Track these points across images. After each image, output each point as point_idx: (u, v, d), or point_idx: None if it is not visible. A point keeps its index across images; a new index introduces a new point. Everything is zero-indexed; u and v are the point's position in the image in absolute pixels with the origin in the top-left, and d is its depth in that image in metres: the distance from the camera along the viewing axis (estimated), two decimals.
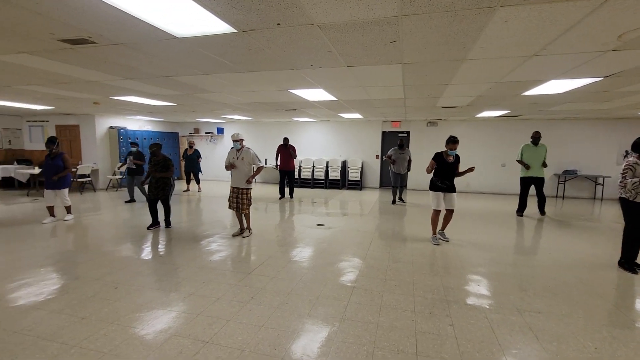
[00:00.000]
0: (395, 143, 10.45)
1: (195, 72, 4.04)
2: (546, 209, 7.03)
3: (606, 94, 5.08)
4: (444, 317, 2.79)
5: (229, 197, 5.11)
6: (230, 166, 4.97)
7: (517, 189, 9.96)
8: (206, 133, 12.92)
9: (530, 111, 7.68)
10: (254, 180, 5.11)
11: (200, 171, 10.12)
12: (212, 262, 4.04)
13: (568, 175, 9.36)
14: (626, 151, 9.13)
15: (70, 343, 2.38)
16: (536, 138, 6.69)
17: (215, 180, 12.75)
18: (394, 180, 8.21)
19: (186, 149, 9.90)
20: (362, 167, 11.05)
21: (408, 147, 9.37)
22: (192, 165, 9.83)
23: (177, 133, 13.10)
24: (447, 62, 3.42)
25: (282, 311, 2.86)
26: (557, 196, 9.73)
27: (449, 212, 4.89)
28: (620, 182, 3.85)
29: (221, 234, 5.28)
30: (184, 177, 10.34)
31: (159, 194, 5.49)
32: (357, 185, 10.93)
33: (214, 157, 12.83)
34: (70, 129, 10.30)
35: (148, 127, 12.01)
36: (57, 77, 4.34)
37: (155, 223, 5.58)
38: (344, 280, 3.53)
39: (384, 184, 11.36)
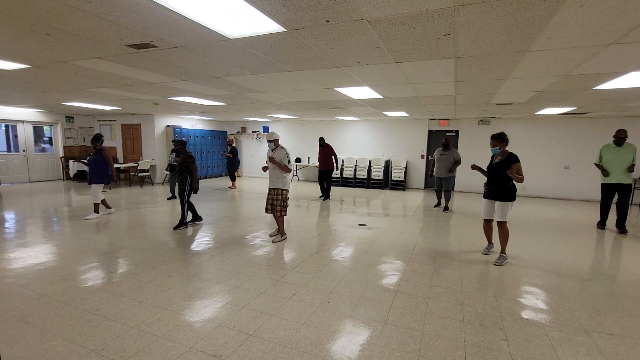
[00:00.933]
0: (442, 142, 10.00)
1: (244, 72, 4.18)
2: (627, 219, 5.91)
3: None
4: (497, 330, 2.58)
5: (267, 199, 4.83)
6: (271, 160, 4.71)
7: (582, 194, 9.13)
8: (252, 132, 13.39)
9: (602, 107, 6.87)
10: (293, 178, 4.91)
11: (236, 169, 10.34)
12: (255, 257, 4.15)
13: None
14: None
15: (130, 324, 2.58)
16: (620, 138, 5.59)
17: (260, 177, 13.16)
18: (436, 184, 7.56)
19: (227, 147, 10.32)
20: (406, 167, 10.71)
21: (455, 147, 8.82)
22: (229, 163, 10.19)
23: (226, 131, 13.73)
24: (507, 55, 3.16)
25: (324, 310, 2.85)
26: (631, 203, 8.62)
27: (498, 225, 4.10)
28: None
29: (264, 230, 5.42)
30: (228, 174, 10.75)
31: (178, 190, 5.45)
32: (401, 185, 10.62)
33: (259, 155, 13.25)
34: (134, 127, 11.26)
35: (200, 126, 12.74)
36: (124, 80, 4.75)
37: (196, 217, 5.68)
38: (386, 283, 3.43)
39: (429, 185, 10.91)
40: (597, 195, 8.81)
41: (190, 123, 12.37)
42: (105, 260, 3.95)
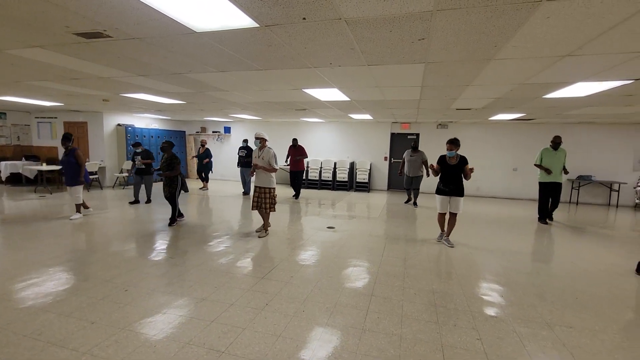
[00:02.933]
0: (403, 145, 10.35)
1: (208, 69, 3.93)
2: (561, 214, 6.91)
3: (631, 97, 4.91)
4: (470, 329, 2.65)
5: (253, 197, 5.12)
6: (255, 167, 5.01)
7: (529, 194, 9.90)
8: (213, 132, 12.84)
9: (547, 114, 7.50)
10: (274, 179, 5.12)
11: (211, 170, 10.13)
12: (223, 264, 3.92)
13: (582, 180, 9.15)
14: None
15: (80, 350, 2.27)
16: (557, 143, 6.47)
17: (222, 179, 12.66)
18: (405, 182, 8.23)
19: (199, 149, 10.05)
20: (370, 169, 10.90)
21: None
22: (202, 165, 9.84)
23: (184, 132, 13.03)
24: (474, 62, 3.28)
25: (299, 320, 2.73)
26: (570, 202, 9.52)
27: (452, 216, 4.83)
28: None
29: (230, 235, 5.17)
30: (193, 175, 10.40)
31: (166, 191, 5.59)
32: (365, 187, 10.78)
33: (221, 156, 12.73)
34: (78, 125, 10.26)
35: (155, 125, 11.95)
36: (69, 72, 4.25)
37: (174, 220, 5.71)
38: (360, 287, 3.39)
39: (392, 186, 11.21)
40: None
41: (144, 122, 11.55)
42: (49, 275, 3.49)
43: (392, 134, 11.05)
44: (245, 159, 8.92)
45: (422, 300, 3.13)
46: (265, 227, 5.20)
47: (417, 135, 10.80)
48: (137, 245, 4.60)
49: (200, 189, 10.03)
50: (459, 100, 5.74)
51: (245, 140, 9.41)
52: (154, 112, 9.58)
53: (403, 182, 8.38)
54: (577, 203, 9.43)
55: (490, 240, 5.28)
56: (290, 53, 3.13)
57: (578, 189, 9.37)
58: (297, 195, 8.82)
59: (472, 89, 4.64)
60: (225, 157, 12.65)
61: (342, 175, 10.86)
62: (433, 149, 10.34)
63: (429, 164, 4.89)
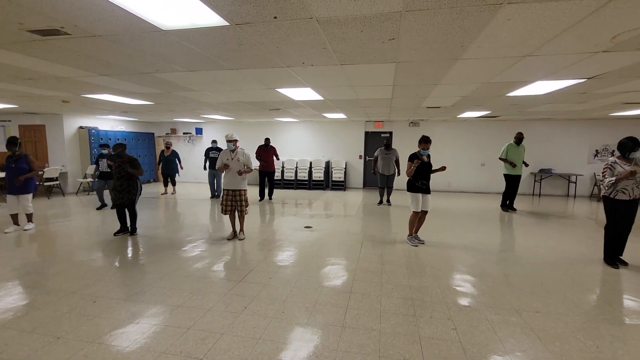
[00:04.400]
0: (377, 143, 10.52)
1: (177, 69, 3.80)
2: (525, 205, 7.47)
3: (584, 95, 5.27)
4: (446, 320, 2.74)
5: (222, 201, 4.93)
6: (223, 167, 4.86)
7: (496, 187, 10.38)
8: (184, 133, 12.45)
9: (510, 112, 7.89)
10: (246, 180, 5.03)
11: (178, 173, 9.75)
12: (198, 269, 3.81)
13: (544, 173, 9.72)
14: (613, 151, 9.62)
15: None
16: (520, 139, 7.11)
17: (194, 182, 12.32)
18: (380, 181, 8.11)
19: (162, 151, 9.56)
20: (345, 168, 11.00)
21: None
22: (170, 167, 9.45)
23: (153, 133, 12.55)
24: (442, 62, 3.39)
25: (279, 321, 2.71)
26: (533, 194, 10.09)
27: (424, 214, 4.82)
28: (600, 180, 3.96)
29: (204, 239, 5.04)
30: (161, 179, 9.93)
31: (125, 197, 5.13)
32: (341, 186, 10.87)
33: (192, 158, 12.37)
34: (35, 129, 9.59)
35: (121, 127, 11.42)
36: (22, 72, 3.97)
37: (123, 229, 5.29)
38: (339, 285, 3.42)
39: (367, 184, 11.37)
40: None
41: (109, 124, 11.00)
42: (7, 290, 3.24)
43: (366, 133, 11.21)
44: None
45: (400, 295, 3.20)
46: (241, 229, 5.13)
47: (390, 133, 11.02)
48: (104, 254, 4.38)
49: (162, 194, 9.51)
50: (429, 99, 5.92)
51: (215, 141, 9.01)
52: (120, 113, 9.15)
53: (377, 181, 8.27)
54: (539, 195, 10.00)
55: (461, 234, 5.49)
56: (262, 52, 3.09)
57: (540, 182, 9.94)
58: (270, 196, 8.69)
59: (441, 87, 4.79)
60: (197, 158, 12.28)
61: (318, 175, 10.89)
62: (406, 147, 10.61)
63: (408, 165, 4.66)
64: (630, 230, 3.94)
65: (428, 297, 3.15)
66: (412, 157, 4.73)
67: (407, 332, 2.55)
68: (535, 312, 2.88)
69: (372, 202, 8.57)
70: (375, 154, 8.04)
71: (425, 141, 4.69)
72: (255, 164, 8.74)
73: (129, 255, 4.35)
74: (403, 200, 8.80)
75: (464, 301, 3.08)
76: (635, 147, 3.70)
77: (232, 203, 4.92)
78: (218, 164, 4.97)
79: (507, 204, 7.41)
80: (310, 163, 11.13)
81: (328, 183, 11.11)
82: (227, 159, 4.92)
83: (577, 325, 2.68)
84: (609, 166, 3.85)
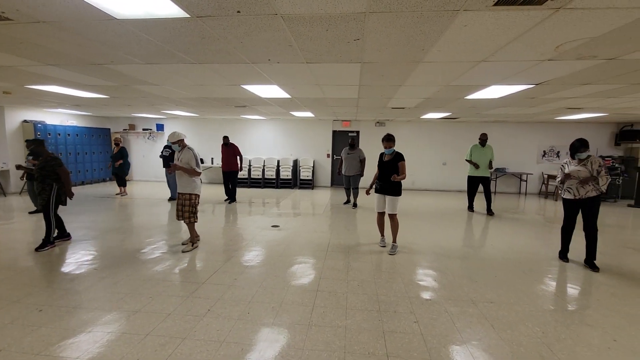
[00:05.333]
0: (345, 142, 10.64)
1: (134, 61, 3.60)
2: (482, 203, 7.52)
3: (534, 100, 5.68)
4: (408, 314, 2.83)
5: (177, 204, 4.43)
6: (174, 167, 4.31)
7: (456, 185, 10.93)
8: (144, 130, 11.82)
9: (469, 114, 8.33)
10: (199, 184, 4.44)
11: (125, 172, 9.05)
12: (157, 273, 3.64)
13: (499, 172, 10.37)
14: (558, 152, 10.41)
15: None
16: (483, 140, 7.10)
17: (156, 181, 11.75)
18: (345, 182, 7.90)
19: (113, 148, 8.91)
20: (313, 166, 11.03)
21: (359, 147, 9.45)
22: (118, 166, 8.78)
23: (109, 129, 11.78)
24: (405, 64, 3.49)
25: (244, 322, 2.66)
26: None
27: (390, 218, 4.49)
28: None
29: (165, 241, 4.82)
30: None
31: (39, 201, 4.42)
32: (309, 184, 10.89)
33: (152, 156, 11.79)
34: None
35: (72, 122, 10.60)
36: None
37: (63, 235, 4.68)
38: (306, 284, 3.42)
39: (335, 182, 11.49)
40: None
41: (59, 118, 10.18)
42: None
43: (334, 132, 11.31)
44: (171, 160, 7.95)
45: (365, 291, 3.26)
46: (192, 239, 4.49)
47: (357, 132, 11.20)
48: (51, 259, 4.05)
49: (117, 194, 8.91)
50: (393, 100, 6.08)
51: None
52: (71, 107, 8.49)
53: (343, 182, 8.07)
54: (495, 192, 10.65)
55: (424, 231, 5.71)
56: (225, 47, 3.00)
57: (495, 180, 10.60)
58: (231, 199, 8.17)
59: (405, 89, 4.94)
60: (157, 156, 11.73)
61: (286, 173, 10.82)
62: (372, 146, 10.85)
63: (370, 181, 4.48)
64: (595, 231, 3.93)
65: (392, 293, 3.24)
66: (379, 158, 4.60)
67: (371, 328, 2.61)
68: (489, 302, 3.07)
69: (340, 200, 8.66)
70: (341, 154, 7.84)
71: (386, 139, 4.44)
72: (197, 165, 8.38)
73: (80, 260, 4.06)
74: (370, 202, 8.98)
75: (425, 295, 3.20)
76: (582, 147, 3.92)
77: (181, 208, 4.35)
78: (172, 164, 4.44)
79: (472, 204, 7.42)
80: (278, 161, 11.03)
81: (296, 181, 11.07)
82: (176, 159, 4.42)
83: (526, 313, 2.88)
84: (561, 166, 4.15)
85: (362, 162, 7.62)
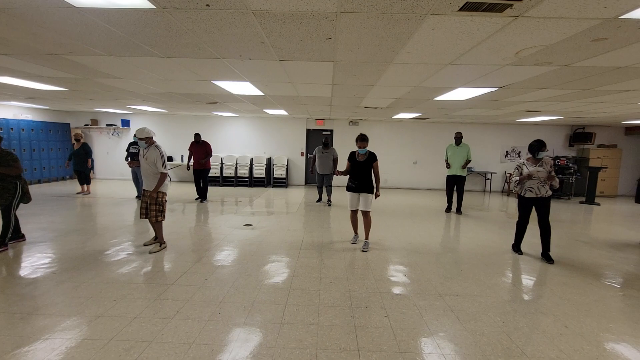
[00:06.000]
0: (319, 140, 10.68)
1: (96, 52, 3.41)
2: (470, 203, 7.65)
3: (497, 102, 5.98)
4: (379, 309, 2.90)
5: (141, 202, 4.28)
6: (135, 163, 4.24)
7: (427, 184, 11.31)
8: (107, 125, 11.23)
9: (438, 115, 8.63)
10: (166, 183, 4.28)
11: (91, 169, 8.62)
12: (122, 275, 3.48)
13: (467, 171, 10.81)
14: (519, 152, 10.99)
15: None
16: (458, 138, 7.12)
17: (121, 179, 11.21)
18: (317, 180, 8.01)
19: (73, 144, 8.37)
20: (287, 165, 10.98)
21: (333, 146, 9.53)
22: (79, 163, 8.29)
23: (69, 124, 11.09)
24: (376, 64, 3.56)
25: (215, 323, 2.61)
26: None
27: (364, 215, 4.61)
28: (510, 179, 4.53)
29: (130, 242, 4.62)
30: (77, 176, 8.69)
31: (2, 201, 4.16)
32: (283, 182, 10.83)
33: (117, 153, 11.24)
34: None
35: (28, 116, 9.87)
36: None
37: (17, 236, 4.43)
38: (279, 282, 3.41)
39: (309, 181, 11.50)
40: (438, 184, 11.09)
41: (11, 111, 9.43)
42: None
43: (308, 130, 11.31)
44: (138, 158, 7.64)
45: (338, 288, 3.30)
46: (159, 239, 4.33)
47: (331, 131, 11.28)
48: (4, 263, 3.76)
49: (78, 193, 8.43)
50: (366, 99, 6.18)
51: None
52: (26, 100, 7.89)
53: (316, 180, 8.15)
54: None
55: (396, 227, 5.86)
56: (195, 41, 2.92)
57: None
58: (202, 198, 7.97)
59: (377, 89, 5.04)
60: (123, 153, 11.21)
61: (260, 172, 10.69)
62: (346, 145, 10.97)
63: (338, 169, 4.60)
64: (549, 227, 4.23)
65: (364, 289, 3.30)
66: (350, 156, 4.70)
67: (343, 324, 2.65)
68: (455, 295, 3.21)
69: (314, 198, 8.68)
70: (314, 152, 7.89)
71: (361, 139, 4.53)
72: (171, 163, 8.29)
73: (36, 263, 3.80)
74: (343, 199, 9.09)
75: (396, 290, 3.29)
76: (541, 147, 4.20)
77: (146, 206, 4.21)
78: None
79: (450, 205, 7.42)
80: (251, 159, 10.88)
81: (270, 180, 10.98)
82: (140, 156, 4.26)
83: (488, 304, 3.04)
84: (518, 166, 4.39)
85: (335, 161, 7.74)
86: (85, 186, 8.48)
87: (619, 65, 3.31)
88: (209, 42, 2.95)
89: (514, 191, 4.45)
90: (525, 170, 4.27)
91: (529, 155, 4.40)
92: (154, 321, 2.61)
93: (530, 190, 4.29)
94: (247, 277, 3.53)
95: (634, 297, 3.32)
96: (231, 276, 3.53)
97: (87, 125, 11.18)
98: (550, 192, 4.23)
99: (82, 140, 8.37)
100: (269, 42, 2.91)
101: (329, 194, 7.97)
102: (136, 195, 8.09)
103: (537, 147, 4.23)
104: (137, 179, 7.79)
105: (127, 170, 11.15)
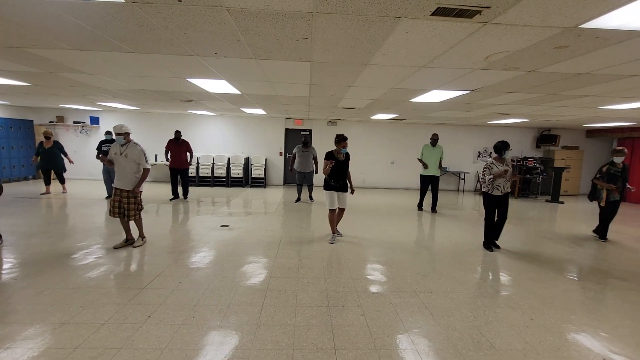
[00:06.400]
0: (297, 140, 10.66)
1: (60, 46, 3.23)
2: (426, 201, 7.86)
3: (469, 105, 6.19)
4: (356, 307, 2.93)
5: (111, 201, 4.27)
6: (109, 162, 4.24)
7: (404, 183, 11.54)
8: (75, 123, 10.69)
9: (414, 116, 8.82)
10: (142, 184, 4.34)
11: (64, 169, 8.30)
12: (91, 280, 3.33)
13: (440, 171, 11.10)
14: (490, 153, 11.41)
15: None
16: (434, 140, 7.35)
17: (90, 179, 10.71)
18: (298, 179, 8.11)
19: (41, 142, 7.95)
20: (265, 164, 10.88)
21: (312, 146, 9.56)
22: (52, 162, 7.96)
23: (32, 121, 10.46)
24: (353, 65, 3.59)
25: (189, 327, 2.55)
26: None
27: (341, 211, 4.96)
28: (481, 178, 4.72)
29: (100, 245, 4.42)
30: (42, 176, 8.28)
31: None
32: (261, 182, 10.72)
33: (86, 151, 10.73)
34: None
35: None
36: None
37: None
38: (256, 284, 3.37)
39: (288, 181, 11.45)
40: (415, 184, 11.32)
41: None
42: None
43: (287, 129, 11.25)
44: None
45: (315, 288, 3.31)
46: (140, 234, 4.50)
47: (310, 131, 11.27)
48: None
49: (42, 194, 8.02)
50: (344, 100, 6.22)
51: (109, 133, 7.52)
52: None
53: (296, 179, 8.24)
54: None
55: (373, 226, 5.94)
56: (167, 37, 2.83)
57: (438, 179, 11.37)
58: (178, 195, 7.94)
59: (355, 89, 5.08)
60: (93, 152, 10.69)
61: (237, 172, 10.53)
62: (324, 145, 11.00)
63: (324, 163, 4.65)
64: (506, 219, 4.71)
65: (341, 288, 3.33)
66: (329, 156, 4.76)
67: (320, 323, 2.66)
68: (429, 292, 3.29)
69: (293, 198, 8.65)
70: (294, 151, 8.01)
71: (344, 139, 4.70)
72: (151, 160, 8.09)
73: None
74: (320, 198, 9.11)
75: (372, 288, 3.34)
76: (506, 147, 4.54)
77: (118, 205, 4.21)
78: (108, 157, 4.29)
79: (422, 203, 7.62)
80: (229, 159, 10.70)
81: (247, 180, 10.83)
82: (115, 154, 4.22)
83: (460, 300, 3.15)
84: (488, 166, 4.61)
85: (315, 159, 7.96)
86: (58, 185, 8.16)
87: (579, 72, 3.51)
88: (183, 39, 2.88)
89: (484, 190, 4.66)
90: (495, 170, 4.49)
91: (495, 155, 4.69)
92: (124, 327, 2.51)
93: (498, 188, 4.57)
94: (223, 279, 3.46)
95: (591, 289, 3.54)
96: (206, 278, 3.45)
97: (53, 122, 10.60)
98: (509, 189, 4.65)
99: (52, 139, 7.98)
100: (244, 41, 2.87)
101: (310, 191, 8.29)
102: (107, 195, 7.81)
103: (502, 147, 4.56)
104: (108, 180, 7.55)
105: (97, 170, 10.68)
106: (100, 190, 8.57)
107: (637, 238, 5.74)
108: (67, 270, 3.55)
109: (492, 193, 4.59)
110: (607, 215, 5.39)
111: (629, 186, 5.41)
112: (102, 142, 7.43)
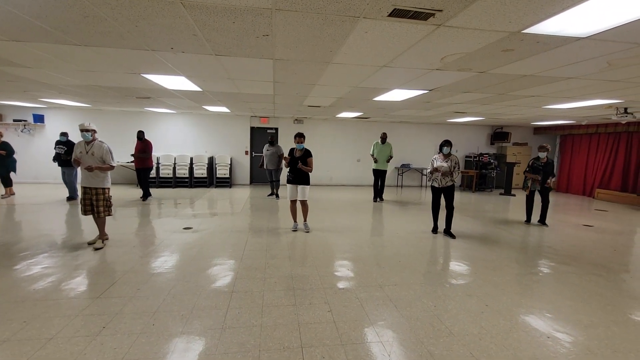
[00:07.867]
0: (264, 139, 10.51)
1: None
2: (390, 195, 8.57)
3: (429, 103, 6.45)
4: (323, 304, 2.96)
5: (81, 199, 4.33)
6: (76, 162, 4.17)
7: (370, 180, 11.75)
8: (15, 121, 9.75)
9: (378, 114, 9.03)
10: (109, 178, 4.43)
11: (14, 170, 7.66)
12: (35, 292, 3.07)
13: (404, 168, 11.51)
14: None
15: None
16: (383, 138, 8.22)
17: (36, 182, 9.85)
18: (268, 175, 8.68)
19: None
20: (231, 164, 10.61)
21: (278, 144, 9.52)
22: (1, 163, 7.33)
23: None
24: (316, 64, 3.60)
25: (148, 336, 2.43)
26: (397, 185, 11.85)
27: (302, 203, 5.32)
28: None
29: (47, 254, 4.08)
30: None
31: None
32: (227, 182, 10.45)
33: (30, 152, 9.84)
34: None
35: None
36: None
37: None
38: (221, 286, 3.29)
39: (254, 180, 11.26)
40: None
41: None
42: None
43: (252, 128, 11.05)
44: (65, 157, 7.12)
45: (282, 287, 3.29)
46: (101, 236, 4.44)
47: (276, 129, 11.15)
48: None
49: (2, 196, 7.47)
50: (309, 98, 6.23)
51: (65, 134, 7.44)
52: None
53: (267, 176, 8.84)
54: (401, 186, 11.82)
55: (339, 223, 6.01)
56: (117, 29, 2.67)
57: (402, 175, 11.75)
58: (145, 197, 7.81)
59: (319, 88, 5.11)
60: (37, 152, 9.88)
61: (201, 171, 10.18)
62: (291, 143, 10.94)
63: (284, 159, 5.21)
64: (453, 209, 5.19)
65: (308, 285, 3.34)
66: (290, 152, 5.28)
67: (287, 322, 2.65)
68: (394, 285, 3.40)
69: (259, 197, 8.55)
70: (264, 149, 8.55)
71: (299, 136, 5.20)
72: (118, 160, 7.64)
73: None
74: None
75: (339, 284, 3.38)
76: (445, 144, 5.06)
77: (90, 203, 4.32)
78: (73, 157, 4.24)
79: (376, 195, 8.51)
80: (191, 159, 10.31)
81: (212, 180, 10.51)
82: (80, 152, 4.21)
83: (422, 291, 3.28)
84: (432, 161, 5.22)
85: (281, 157, 8.22)
86: (7, 188, 7.59)
87: (524, 74, 3.78)
88: (135, 32, 2.72)
89: (428, 181, 5.23)
90: (435, 164, 5.10)
91: (438, 151, 5.24)
92: (75, 340, 2.34)
93: (435, 181, 5.18)
94: (186, 283, 3.34)
95: (537, 274, 3.85)
96: (168, 283, 3.31)
97: None
98: (450, 183, 5.12)
99: (1, 139, 7.28)
100: (202, 36, 2.78)
101: (277, 187, 8.67)
102: (68, 196, 7.46)
103: (441, 144, 5.14)
104: (71, 181, 7.37)
105: (44, 174, 9.87)
106: (48, 193, 7.91)
107: (575, 225, 6.33)
108: (9, 282, 3.23)
109: (432, 184, 5.22)
110: (531, 204, 6.36)
111: (548, 180, 6.05)
112: (57, 143, 7.34)
